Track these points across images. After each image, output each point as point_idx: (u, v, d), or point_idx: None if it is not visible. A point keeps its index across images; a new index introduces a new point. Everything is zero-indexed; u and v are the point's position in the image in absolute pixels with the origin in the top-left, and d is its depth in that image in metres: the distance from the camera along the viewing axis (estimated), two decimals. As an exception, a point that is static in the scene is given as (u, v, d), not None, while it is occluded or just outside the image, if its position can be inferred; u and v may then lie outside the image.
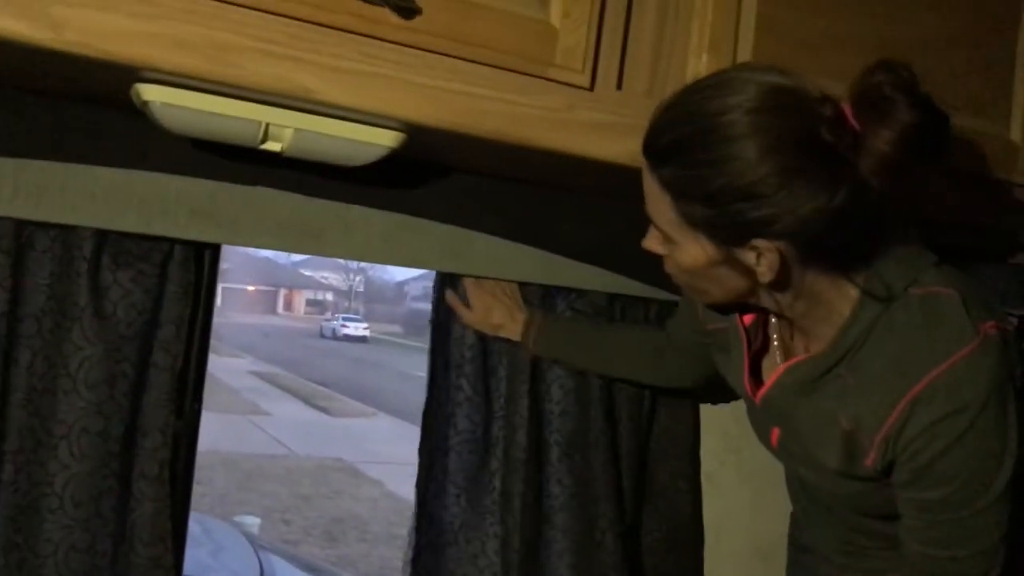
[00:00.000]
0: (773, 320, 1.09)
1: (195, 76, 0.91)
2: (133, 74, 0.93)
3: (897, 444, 0.94)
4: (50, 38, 0.84)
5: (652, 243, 1.03)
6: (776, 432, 1.11)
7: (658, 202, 0.95)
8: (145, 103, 0.97)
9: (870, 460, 0.97)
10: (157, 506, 1.17)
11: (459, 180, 1.32)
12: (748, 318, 1.11)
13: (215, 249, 1.26)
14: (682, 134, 0.91)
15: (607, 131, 1.09)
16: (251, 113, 1.00)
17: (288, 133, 1.04)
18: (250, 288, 49.14)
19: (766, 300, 1.00)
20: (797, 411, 1.05)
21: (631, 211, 1.06)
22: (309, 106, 0.98)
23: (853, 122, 0.86)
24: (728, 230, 0.91)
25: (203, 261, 1.24)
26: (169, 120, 1.00)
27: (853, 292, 0.97)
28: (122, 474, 1.17)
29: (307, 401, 14.29)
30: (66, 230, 1.13)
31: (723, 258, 0.94)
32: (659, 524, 1.55)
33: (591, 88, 1.07)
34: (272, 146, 1.06)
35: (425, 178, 1.30)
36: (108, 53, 0.87)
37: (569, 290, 1.45)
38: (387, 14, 0.96)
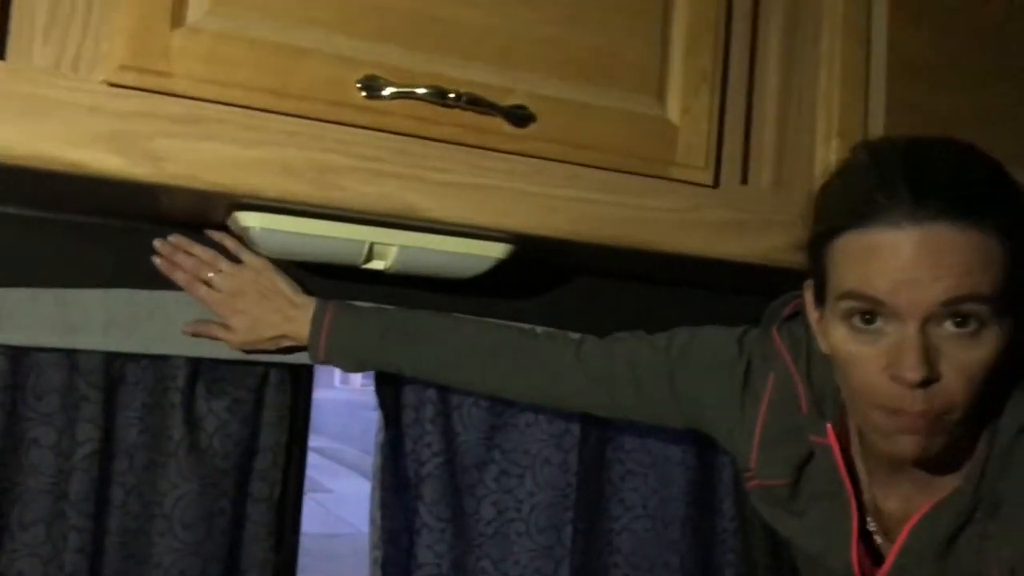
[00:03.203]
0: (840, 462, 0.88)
1: (298, 201, 0.85)
2: (234, 201, 0.87)
3: None
4: (150, 173, 0.79)
5: (927, 364, 0.73)
6: None
7: (983, 269, 0.72)
8: (245, 229, 0.91)
9: None
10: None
11: (578, 282, 1.24)
12: (841, 463, 0.87)
13: (310, 368, 1.19)
14: (984, 167, 0.76)
15: (734, 229, 1.01)
16: (354, 234, 0.94)
17: (393, 251, 0.97)
18: (307, 361, 49.35)
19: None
20: None
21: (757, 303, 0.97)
22: (417, 223, 0.92)
23: None
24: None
25: (299, 382, 1.17)
26: (270, 244, 0.94)
27: (988, 406, 0.79)
28: (221, 618, 1.09)
29: (369, 475, 14.07)
30: (157, 360, 1.07)
31: (1012, 332, 0.75)
32: None
33: (715, 185, 0.99)
34: (376, 265, 1.00)
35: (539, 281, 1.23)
36: (211, 184, 0.81)
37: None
38: (498, 123, 0.89)
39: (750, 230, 1.01)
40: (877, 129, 1.04)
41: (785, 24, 1.03)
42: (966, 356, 0.73)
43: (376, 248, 0.97)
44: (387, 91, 0.84)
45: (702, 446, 1.30)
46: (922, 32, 1.07)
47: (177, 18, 0.79)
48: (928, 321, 0.73)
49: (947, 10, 1.09)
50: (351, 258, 0.97)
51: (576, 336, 1.08)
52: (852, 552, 0.90)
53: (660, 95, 0.96)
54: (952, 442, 0.80)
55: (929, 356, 0.73)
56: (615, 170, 0.95)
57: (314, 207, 0.87)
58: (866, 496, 0.91)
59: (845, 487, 0.89)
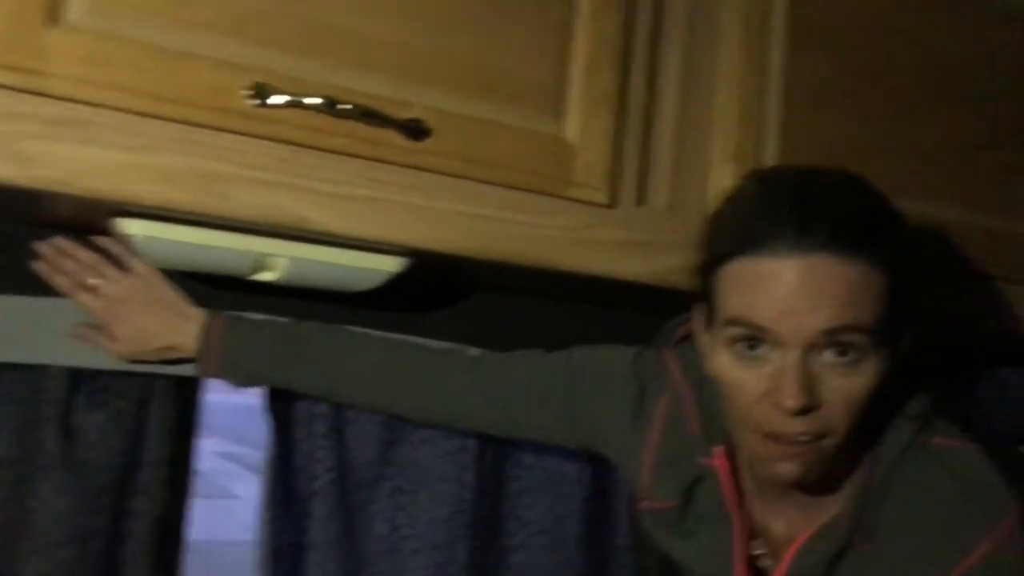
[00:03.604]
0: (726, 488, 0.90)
1: (180, 210, 0.82)
2: (114, 208, 0.84)
3: None
4: (17, 175, 0.75)
5: (807, 392, 0.74)
6: None
7: (864, 300, 0.73)
8: (127, 237, 0.88)
9: None
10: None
11: (477, 297, 1.23)
12: (729, 486, 0.89)
13: (199, 381, 1.15)
14: (868, 200, 0.78)
15: (630, 249, 1.01)
16: (242, 244, 0.91)
17: (283, 263, 0.95)
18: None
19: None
20: None
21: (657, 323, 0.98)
22: (308, 235, 0.89)
23: None
24: (909, 305, 0.77)
25: (187, 392, 1.13)
26: (153, 253, 0.91)
27: (867, 433, 0.82)
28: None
29: (277, 480, 13.74)
30: (33, 370, 1.02)
31: (891, 361, 0.77)
32: None
33: (612, 205, 0.99)
34: (265, 276, 0.97)
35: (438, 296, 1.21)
36: (85, 189, 0.78)
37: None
38: (393, 136, 0.87)
39: (645, 251, 1.01)
40: (771, 155, 1.05)
41: (685, 47, 1.04)
42: (846, 384, 0.75)
43: (265, 259, 0.94)
44: (276, 99, 0.82)
45: (599, 464, 1.30)
46: (818, 62, 1.10)
47: (54, 16, 0.75)
48: (810, 349, 0.74)
49: (843, 41, 1.12)
50: (239, 269, 0.94)
51: (474, 353, 1.07)
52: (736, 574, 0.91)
53: (559, 114, 0.96)
54: (834, 467, 0.82)
55: (809, 384, 0.74)
56: (512, 187, 0.94)
57: (198, 216, 0.84)
58: (754, 519, 0.92)
59: (732, 510, 0.90)
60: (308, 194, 0.86)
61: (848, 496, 0.83)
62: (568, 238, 0.98)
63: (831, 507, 0.85)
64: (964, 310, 1.20)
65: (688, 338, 0.94)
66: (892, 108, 1.14)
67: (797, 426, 0.75)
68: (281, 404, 1.14)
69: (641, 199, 1.02)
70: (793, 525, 0.89)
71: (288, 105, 0.83)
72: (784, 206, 0.75)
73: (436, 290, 1.19)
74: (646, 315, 1.10)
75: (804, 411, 0.74)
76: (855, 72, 1.13)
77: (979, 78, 1.22)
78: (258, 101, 0.82)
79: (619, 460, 1.02)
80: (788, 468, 0.78)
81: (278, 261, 0.95)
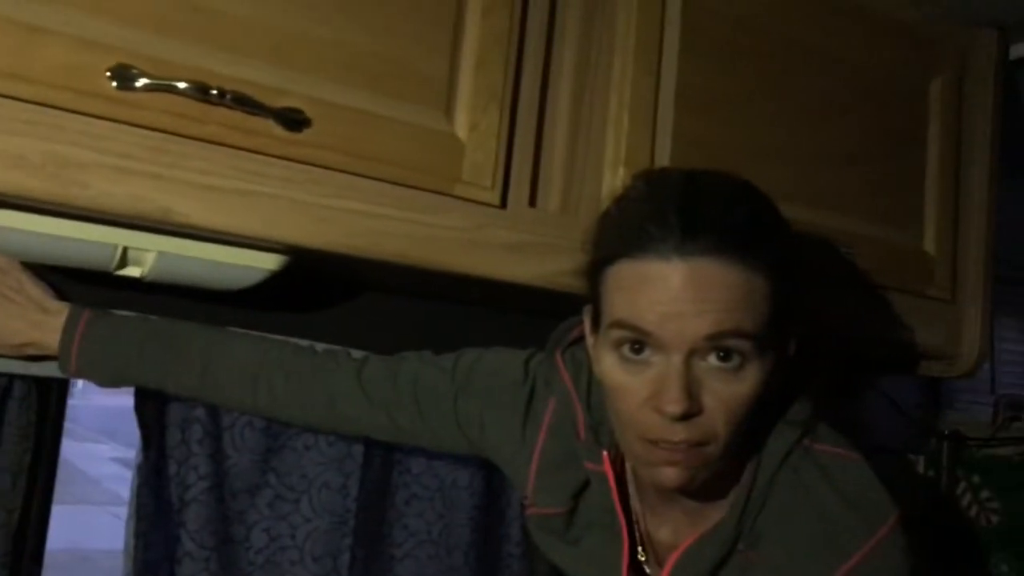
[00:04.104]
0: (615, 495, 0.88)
1: (33, 197, 0.76)
2: (-44, 194, 0.77)
3: None
4: None
5: (688, 398, 0.73)
6: None
7: (748, 306, 0.73)
8: (-28, 226, 0.81)
9: None
10: None
11: (365, 298, 1.19)
12: (615, 492, 0.87)
13: (62, 381, 1.08)
14: (754, 205, 0.77)
15: (521, 251, 0.99)
16: (104, 237, 0.85)
17: (150, 257, 0.89)
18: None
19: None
20: None
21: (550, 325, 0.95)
22: (175, 228, 0.84)
23: None
24: (793, 312, 0.77)
25: (48, 395, 1.06)
26: (6, 244, 0.84)
27: (751, 439, 0.81)
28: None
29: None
30: None
31: (776, 365, 0.77)
32: None
33: (502, 206, 0.97)
34: (132, 271, 0.91)
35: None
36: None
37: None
38: (269, 126, 0.83)
39: (536, 253, 0.99)
40: (664, 159, 1.05)
41: (579, 47, 1.03)
42: (728, 390, 0.74)
43: (131, 253, 0.88)
44: (141, 82, 0.77)
45: (490, 470, 1.28)
46: (710, 68, 1.10)
47: None
48: (692, 354, 0.73)
49: (735, 49, 1.12)
50: (101, 263, 0.88)
51: (358, 355, 1.03)
52: None
53: (448, 109, 0.93)
54: (718, 473, 0.81)
55: (691, 389, 0.73)
56: (397, 183, 0.91)
57: (53, 205, 0.78)
58: (640, 525, 0.91)
59: (619, 516, 0.88)
60: (175, 185, 0.81)
61: (732, 503, 0.82)
62: (457, 238, 0.95)
63: (716, 513, 0.84)
64: (847, 317, 1.22)
65: (580, 341, 0.92)
66: (782, 115, 1.15)
67: (679, 432, 0.74)
68: (152, 407, 1.08)
69: (533, 200, 1.00)
70: (679, 531, 0.88)
71: (154, 89, 0.78)
72: (671, 209, 0.73)
73: (320, 290, 1.14)
74: (540, 317, 1.08)
75: (686, 416, 0.73)
76: (746, 79, 1.13)
77: (866, 88, 1.25)
78: (121, 84, 0.76)
79: (507, 466, 0.99)
80: (670, 474, 0.76)
81: (145, 256, 0.89)
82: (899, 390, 1.61)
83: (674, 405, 0.72)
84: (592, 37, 1.04)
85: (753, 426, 0.79)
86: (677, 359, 0.72)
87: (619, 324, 0.75)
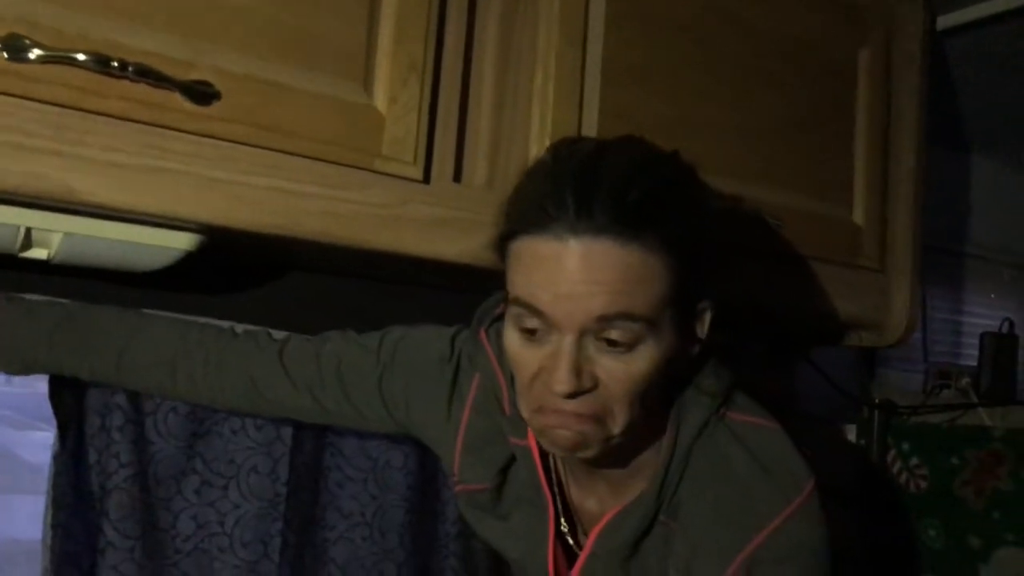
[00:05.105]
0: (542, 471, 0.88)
1: (-80, 176, 0.72)
2: None
3: None
4: None
5: (576, 377, 0.72)
6: None
7: (640, 287, 0.72)
8: None
9: None
10: None
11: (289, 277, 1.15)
12: (541, 466, 0.87)
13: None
14: (659, 181, 0.74)
15: (445, 227, 0.96)
16: (3, 217, 0.81)
17: (56, 238, 0.85)
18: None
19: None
20: None
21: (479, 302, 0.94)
22: (80, 208, 0.80)
23: None
24: (698, 288, 0.77)
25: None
26: None
27: (666, 410, 0.82)
28: None
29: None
30: None
31: (678, 341, 0.76)
32: None
33: (426, 181, 0.94)
34: (37, 253, 0.87)
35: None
36: None
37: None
38: (176, 99, 0.80)
39: (462, 229, 0.97)
40: (591, 132, 1.03)
41: (503, 18, 1.01)
42: (622, 368, 0.74)
43: (35, 235, 0.84)
44: (35, 54, 0.73)
45: (425, 450, 1.26)
46: (637, 39, 1.08)
47: None
48: (584, 334, 0.73)
49: (663, 20, 1.11)
50: (4, 245, 0.84)
51: (280, 336, 1.00)
52: (548, 555, 0.89)
53: (366, 82, 0.90)
54: (636, 445, 0.82)
55: (583, 367, 0.73)
56: (315, 159, 0.88)
57: (-57, 184, 0.74)
58: (570, 499, 0.90)
59: (544, 490, 0.88)
60: (77, 162, 0.77)
61: (652, 474, 0.82)
62: (379, 215, 0.92)
63: (639, 485, 0.84)
64: (776, 290, 1.23)
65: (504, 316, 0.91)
66: (710, 87, 1.15)
67: (569, 406, 0.74)
68: (69, 393, 1.04)
69: (458, 175, 0.98)
70: (604, 502, 0.88)
71: (50, 61, 0.74)
72: (567, 187, 0.72)
73: (240, 270, 1.11)
74: (467, 295, 1.06)
75: (574, 395, 0.73)
76: (674, 50, 1.12)
77: (795, 59, 1.24)
78: (13, 55, 0.72)
79: (434, 444, 0.98)
80: (564, 436, 0.76)
81: (50, 237, 0.85)
82: (832, 360, 1.63)
83: (561, 385, 0.72)
84: (516, 7, 1.02)
85: (659, 400, 0.80)
86: (569, 339, 0.72)
87: (516, 301, 0.75)
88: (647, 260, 0.71)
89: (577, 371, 0.72)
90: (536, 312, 0.73)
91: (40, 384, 1.04)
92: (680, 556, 0.82)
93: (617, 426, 0.76)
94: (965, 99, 1.85)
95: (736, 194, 1.11)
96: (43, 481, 1.04)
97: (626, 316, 0.71)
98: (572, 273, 0.70)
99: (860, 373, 1.82)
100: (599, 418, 0.75)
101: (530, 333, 0.74)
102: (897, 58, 1.38)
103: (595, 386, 0.73)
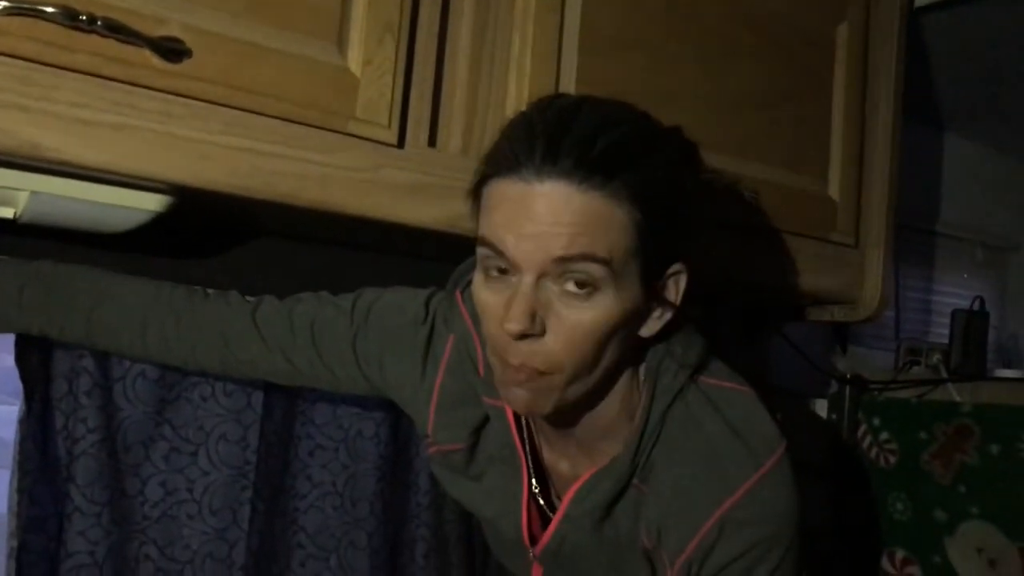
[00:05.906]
0: (516, 433, 0.89)
1: None
2: None
3: (703, 570, 0.81)
4: None
5: (528, 318, 0.72)
6: None
7: (601, 232, 0.71)
8: None
9: None
10: None
11: (260, 242, 1.14)
12: (514, 426, 0.88)
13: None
14: (630, 134, 0.74)
15: (419, 193, 0.96)
16: (-34, 174, 0.79)
17: (23, 197, 0.84)
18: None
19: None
20: (590, 553, 0.87)
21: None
22: (46, 165, 0.79)
23: None
24: (667, 248, 0.77)
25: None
26: None
27: (639, 373, 0.84)
28: None
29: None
30: None
31: (642, 299, 0.77)
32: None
33: (400, 145, 0.93)
34: (4, 212, 0.86)
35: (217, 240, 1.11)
36: None
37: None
38: (146, 56, 0.78)
39: (436, 195, 0.96)
40: (568, 100, 1.02)
41: (480, -19, 0.99)
42: (574, 316, 0.73)
43: (1, 192, 0.83)
44: (0, 6, 0.71)
45: (397, 419, 1.26)
46: (616, 7, 1.07)
47: None
48: (544, 276, 0.73)
49: (642, -13, 1.10)
50: (-34, 203, 0.82)
51: (252, 299, 0.99)
52: (523, 514, 0.89)
53: (340, 42, 0.89)
54: (595, 407, 0.82)
55: (536, 311, 0.73)
56: (287, 120, 0.87)
57: (-97, 138, 0.72)
58: (544, 460, 0.91)
59: (517, 450, 0.88)
60: (43, 118, 0.75)
61: (626, 438, 0.83)
62: (352, 179, 0.91)
63: (613, 448, 0.84)
64: (750, 262, 1.23)
65: None
66: (688, 58, 1.14)
67: (520, 354, 0.74)
68: (34, 356, 1.02)
69: (433, 140, 0.97)
70: (578, 465, 0.88)
71: (15, 13, 0.72)
72: (540, 132, 0.72)
73: (211, 234, 1.10)
74: (441, 263, 1.05)
75: (523, 336, 0.73)
76: (653, 20, 1.11)
77: (773, 32, 1.24)
78: (-24, 6, 0.70)
79: (407, 405, 0.98)
80: (518, 395, 0.77)
81: (17, 195, 0.83)
82: (805, 336, 1.64)
83: (512, 323, 0.72)
84: (494, -28, 1.00)
85: (619, 360, 0.79)
86: (528, 279, 0.72)
87: (481, 241, 0.75)
88: (610, 207, 0.71)
89: (531, 313, 0.72)
90: (499, 252, 0.73)
91: (7, 357, 1.02)
92: (652, 519, 0.82)
93: (563, 381, 0.75)
94: (940, 76, 1.86)
95: (712, 165, 1.10)
96: (9, 454, 1.03)
97: (584, 257, 0.71)
98: (535, 215, 0.71)
99: (832, 349, 1.84)
100: (546, 372, 0.75)
101: (496, 275, 0.75)
102: (875, 34, 1.38)
103: (543, 333, 0.73)
